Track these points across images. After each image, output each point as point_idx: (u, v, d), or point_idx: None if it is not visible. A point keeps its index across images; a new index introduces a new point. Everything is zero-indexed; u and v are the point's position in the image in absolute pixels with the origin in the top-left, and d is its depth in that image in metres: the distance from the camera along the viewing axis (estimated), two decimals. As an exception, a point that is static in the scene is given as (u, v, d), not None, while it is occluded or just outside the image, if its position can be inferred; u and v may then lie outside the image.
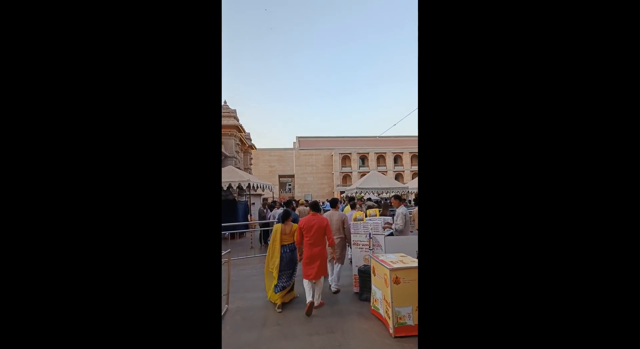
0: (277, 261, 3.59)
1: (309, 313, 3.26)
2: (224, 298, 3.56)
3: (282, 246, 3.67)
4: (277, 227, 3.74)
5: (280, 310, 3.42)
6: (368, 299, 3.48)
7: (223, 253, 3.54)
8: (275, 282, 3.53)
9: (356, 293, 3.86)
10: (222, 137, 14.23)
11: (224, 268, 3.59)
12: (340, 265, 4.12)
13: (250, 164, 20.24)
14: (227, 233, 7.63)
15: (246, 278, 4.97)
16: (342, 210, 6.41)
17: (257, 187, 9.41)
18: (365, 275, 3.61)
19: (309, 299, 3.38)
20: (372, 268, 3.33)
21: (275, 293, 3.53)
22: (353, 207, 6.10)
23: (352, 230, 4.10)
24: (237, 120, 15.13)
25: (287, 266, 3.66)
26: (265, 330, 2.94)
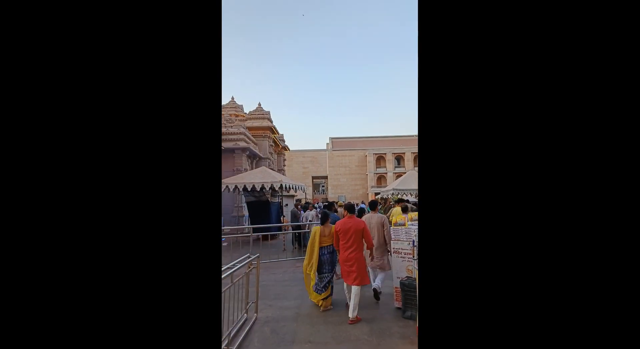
0: (315, 264, 3.53)
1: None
2: (252, 306, 3.33)
3: (321, 247, 3.61)
4: (316, 229, 3.69)
5: (323, 308, 3.46)
6: (413, 318, 3.00)
7: (252, 257, 3.30)
8: (313, 283, 3.56)
9: (398, 308, 3.40)
10: (256, 138, 14.48)
11: (252, 272, 3.36)
12: (382, 271, 3.83)
13: (284, 165, 20.37)
14: (259, 234, 7.53)
15: (277, 283, 4.72)
16: (383, 213, 5.87)
17: (290, 188, 9.24)
18: (409, 289, 3.14)
19: (349, 304, 3.29)
20: (417, 281, 2.86)
21: (318, 293, 3.53)
22: (405, 211, 5.18)
23: (392, 236, 3.66)
24: (271, 122, 15.22)
25: (326, 269, 3.58)
26: (294, 348, 2.62)
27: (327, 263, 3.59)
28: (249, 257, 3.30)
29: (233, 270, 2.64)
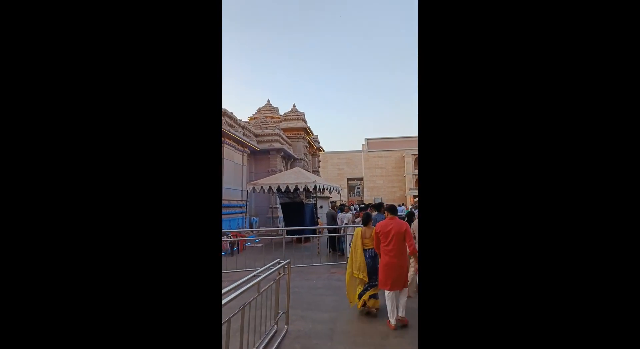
0: (363, 267, 3.36)
1: (403, 325, 2.98)
2: (282, 317, 3.03)
3: (364, 250, 3.44)
4: (357, 231, 3.55)
5: (374, 310, 3.30)
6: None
7: (282, 263, 3.01)
8: (361, 289, 3.35)
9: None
10: (291, 140, 14.46)
11: (284, 278, 3.07)
12: None
13: (319, 167, 20.19)
14: (293, 237, 7.30)
15: (310, 290, 4.39)
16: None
17: (325, 189, 8.93)
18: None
19: (391, 318, 2.98)
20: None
21: (359, 299, 3.34)
22: None
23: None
24: (305, 122, 15.11)
25: (369, 274, 3.41)
26: (329, 372, 2.26)
27: (370, 268, 3.39)
28: (279, 262, 3.01)
29: (260, 278, 2.35)
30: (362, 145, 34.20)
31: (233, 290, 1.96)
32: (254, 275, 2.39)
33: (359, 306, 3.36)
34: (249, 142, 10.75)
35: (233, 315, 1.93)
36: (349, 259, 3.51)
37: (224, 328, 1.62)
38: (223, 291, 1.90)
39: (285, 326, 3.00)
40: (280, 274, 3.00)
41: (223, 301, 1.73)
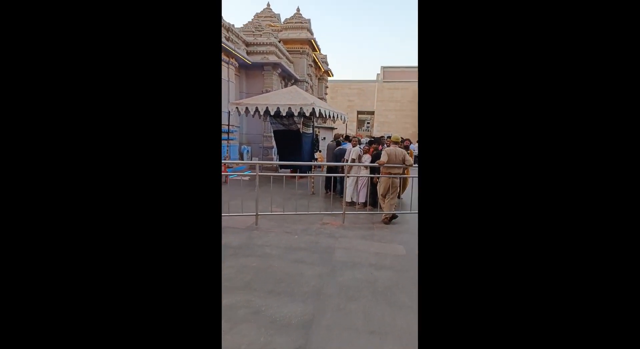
0: None
1: None
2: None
3: None
4: None
5: None
6: None
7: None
8: None
9: None
10: (292, 55, 11.83)
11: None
12: None
13: (326, 94, 17.72)
14: (285, 172, 5.82)
15: (287, 252, 3.01)
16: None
17: (327, 116, 7.10)
18: None
19: None
20: None
21: None
22: None
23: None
24: (311, 33, 12.22)
25: None
26: None
27: None
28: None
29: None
30: (377, 74, 30.62)
31: None
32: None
33: None
34: (236, 51, 8.45)
35: None
36: None
37: None
38: None
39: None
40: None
41: None
